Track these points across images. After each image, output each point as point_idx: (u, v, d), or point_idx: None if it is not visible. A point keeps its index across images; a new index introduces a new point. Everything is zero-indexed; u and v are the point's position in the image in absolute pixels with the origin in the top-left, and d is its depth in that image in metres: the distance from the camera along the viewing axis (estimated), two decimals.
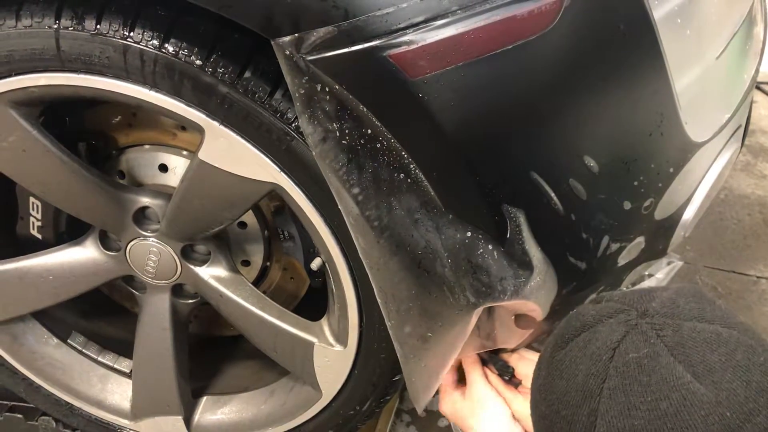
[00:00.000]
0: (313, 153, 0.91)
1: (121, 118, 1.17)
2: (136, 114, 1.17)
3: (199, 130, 0.98)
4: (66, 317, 1.39)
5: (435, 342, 1.01)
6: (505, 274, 1.01)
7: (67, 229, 1.27)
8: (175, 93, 0.94)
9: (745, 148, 2.91)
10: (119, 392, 1.38)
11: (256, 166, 0.98)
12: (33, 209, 1.23)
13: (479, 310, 1.01)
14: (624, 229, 1.09)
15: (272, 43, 0.85)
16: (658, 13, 0.97)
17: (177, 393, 1.30)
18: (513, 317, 1.09)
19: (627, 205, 1.06)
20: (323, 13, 0.83)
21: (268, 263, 1.30)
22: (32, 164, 1.07)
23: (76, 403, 1.38)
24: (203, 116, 0.95)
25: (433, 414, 2.02)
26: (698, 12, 1.09)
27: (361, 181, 0.92)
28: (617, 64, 0.95)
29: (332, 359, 1.16)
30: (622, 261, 1.14)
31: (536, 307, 1.08)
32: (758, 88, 3.17)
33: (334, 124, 0.89)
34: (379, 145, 0.91)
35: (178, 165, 1.19)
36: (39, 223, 1.25)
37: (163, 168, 1.19)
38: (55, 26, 0.92)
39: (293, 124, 0.94)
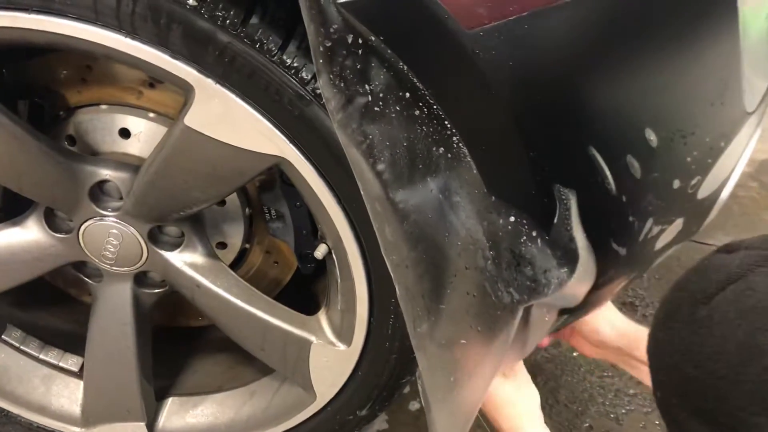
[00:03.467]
0: (333, 121, 0.73)
1: (72, 72, 0.95)
2: (92, 67, 0.95)
3: (185, 89, 0.78)
4: None
5: (470, 350, 0.86)
6: (549, 265, 0.87)
7: (2, 206, 1.05)
8: (160, 42, 0.74)
9: None
10: (66, 395, 1.18)
11: (258, 135, 0.79)
12: None
13: (521, 310, 0.86)
14: (668, 210, 0.97)
15: None
16: None
17: (139, 396, 1.11)
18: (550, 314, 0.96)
19: (676, 184, 0.94)
20: None
21: (247, 245, 1.11)
22: None
23: (14, 410, 1.17)
24: (194, 72, 0.75)
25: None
26: None
27: (391, 156, 0.75)
28: (691, 17, 0.81)
29: (332, 359, 1.00)
30: (659, 245, 1.02)
31: (574, 299, 0.95)
32: None
33: (366, 86, 0.72)
34: (417, 113, 0.74)
35: (143, 130, 0.98)
36: None
37: (125, 133, 0.99)
38: None
39: (309, 85, 0.76)
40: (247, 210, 1.06)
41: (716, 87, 0.89)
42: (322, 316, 1.01)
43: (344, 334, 0.98)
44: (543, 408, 1.96)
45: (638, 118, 0.83)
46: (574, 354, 2.01)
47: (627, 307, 2.15)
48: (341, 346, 0.98)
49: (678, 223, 1.02)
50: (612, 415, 1.87)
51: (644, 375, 1.17)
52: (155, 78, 0.93)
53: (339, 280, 0.95)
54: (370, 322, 0.95)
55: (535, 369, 1.96)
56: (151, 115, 0.98)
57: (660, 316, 0.77)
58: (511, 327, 0.86)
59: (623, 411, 1.90)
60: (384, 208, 0.77)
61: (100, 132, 0.99)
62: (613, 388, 1.96)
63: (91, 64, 0.95)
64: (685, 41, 0.82)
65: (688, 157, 0.92)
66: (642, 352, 1.16)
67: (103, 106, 0.98)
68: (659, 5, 0.78)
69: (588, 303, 1.02)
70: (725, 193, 1.09)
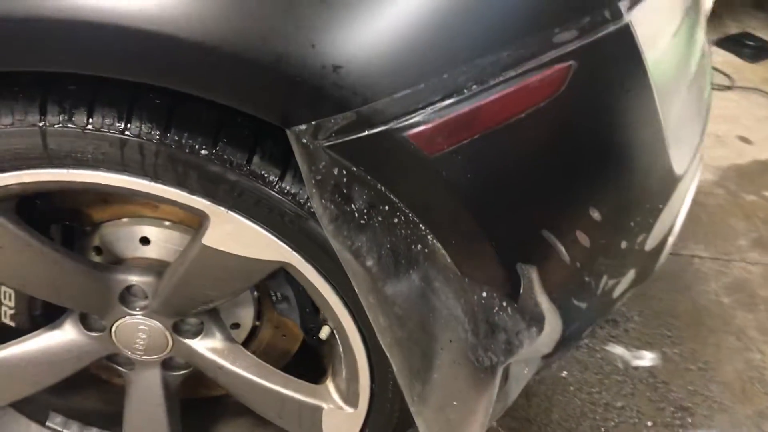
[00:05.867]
0: (326, 232, 0.89)
1: (95, 196, 1.10)
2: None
3: (201, 215, 0.93)
4: (40, 398, 1.31)
5: (461, 411, 1.01)
6: (520, 328, 1.02)
7: (42, 312, 1.19)
8: (179, 184, 0.89)
9: None
10: None
11: (265, 247, 0.94)
12: (5, 298, 1.14)
13: (501, 369, 1.01)
14: (620, 266, 1.12)
15: (288, 132, 0.81)
16: (649, 59, 0.99)
17: None
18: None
19: (623, 245, 1.09)
20: (342, 99, 0.80)
21: (257, 323, 1.26)
22: (11, 260, 0.99)
23: None
24: (209, 203, 0.90)
25: None
26: (675, 47, 1.11)
27: (377, 256, 0.91)
28: (619, 116, 0.97)
29: (342, 421, 1.15)
30: (616, 294, 1.17)
31: (546, 349, 1.10)
32: None
33: (352, 205, 0.87)
34: (396, 220, 0.89)
35: (161, 237, 1.13)
36: (12, 311, 1.16)
37: (145, 240, 1.13)
38: (41, 124, 0.85)
39: (305, 206, 0.91)
40: (255, 293, 1.21)
41: (646, 163, 1.04)
42: (330, 384, 1.15)
43: (351, 398, 1.12)
44: (538, 427, 2.11)
45: (582, 202, 0.98)
46: (563, 374, 2.15)
47: (609, 323, 2.29)
48: (349, 409, 1.13)
49: (631, 274, 1.18)
50: (603, 429, 2.01)
51: None
52: None
53: (342, 355, 1.09)
54: (372, 388, 1.09)
55: (529, 391, 2.09)
56: (167, 223, 1.12)
57: None
58: (493, 386, 1.01)
59: (612, 424, 2.04)
60: (376, 299, 0.93)
61: (123, 242, 1.14)
62: (602, 402, 2.11)
63: None
64: (615, 134, 0.97)
65: (631, 222, 1.08)
66: None
67: (124, 220, 1.13)
68: (592, 111, 0.94)
69: (561, 348, 1.17)
70: (671, 239, 1.25)
